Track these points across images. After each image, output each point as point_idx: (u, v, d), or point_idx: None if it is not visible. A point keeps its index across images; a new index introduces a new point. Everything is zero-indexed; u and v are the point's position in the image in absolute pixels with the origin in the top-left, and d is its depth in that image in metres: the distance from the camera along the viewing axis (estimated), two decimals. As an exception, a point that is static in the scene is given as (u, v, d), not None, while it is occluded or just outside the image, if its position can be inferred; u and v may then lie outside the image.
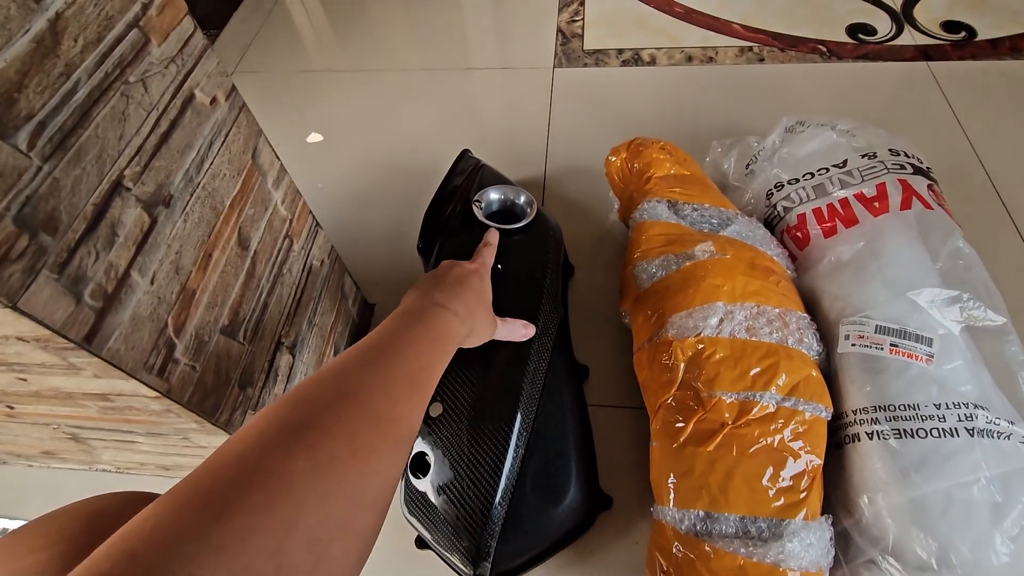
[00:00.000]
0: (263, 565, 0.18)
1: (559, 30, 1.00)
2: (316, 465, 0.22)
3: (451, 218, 0.61)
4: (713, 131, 0.78)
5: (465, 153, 0.71)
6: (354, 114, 0.92)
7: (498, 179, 0.66)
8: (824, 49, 0.91)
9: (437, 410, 0.50)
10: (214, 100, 0.39)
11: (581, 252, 0.70)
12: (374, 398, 0.27)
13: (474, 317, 0.42)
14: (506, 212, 0.63)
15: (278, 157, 0.46)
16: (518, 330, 0.49)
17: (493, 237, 0.53)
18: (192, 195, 0.37)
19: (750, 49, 0.93)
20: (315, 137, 0.89)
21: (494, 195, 0.62)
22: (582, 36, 0.99)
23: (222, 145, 0.40)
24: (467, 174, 0.66)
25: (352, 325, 0.61)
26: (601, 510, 0.52)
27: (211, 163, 0.38)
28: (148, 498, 0.33)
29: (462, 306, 0.40)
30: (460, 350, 0.54)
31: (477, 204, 0.60)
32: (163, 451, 0.47)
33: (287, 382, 0.47)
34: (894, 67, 0.88)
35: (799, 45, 0.92)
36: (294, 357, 0.48)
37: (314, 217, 0.52)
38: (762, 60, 0.91)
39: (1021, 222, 0.68)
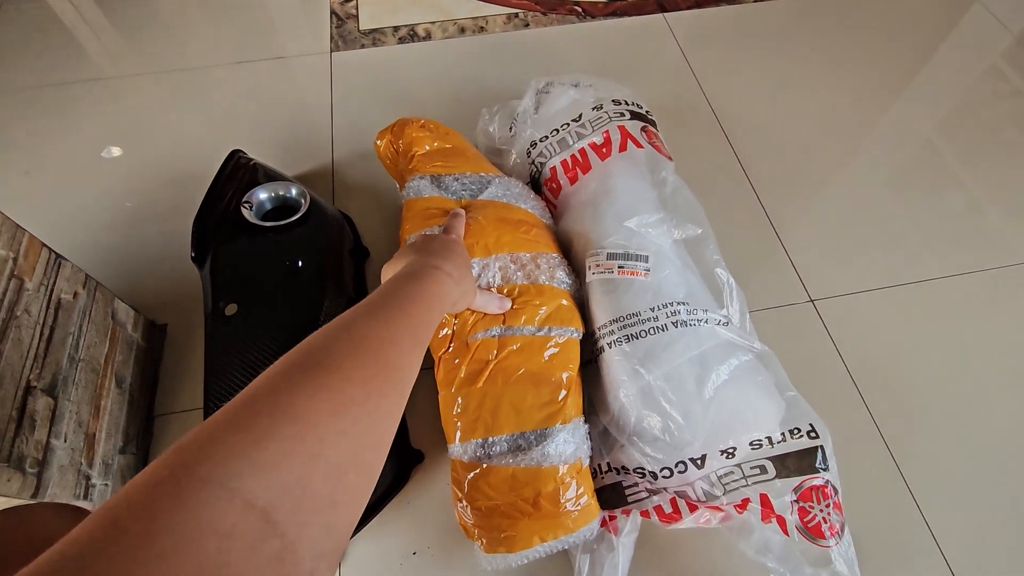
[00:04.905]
0: (293, 485, 0.22)
1: (333, 12, 0.99)
2: (337, 406, 0.25)
3: (222, 224, 0.60)
4: (488, 98, 0.83)
5: (235, 154, 0.69)
6: (129, 122, 0.85)
7: (271, 176, 0.66)
8: (580, 10, 1.00)
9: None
10: None
11: (377, 234, 0.73)
12: (384, 348, 0.30)
13: (464, 280, 0.46)
14: (282, 208, 0.63)
15: (-24, 195, 0.43)
16: (494, 302, 0.52)
17: (458, 209, 0.57)
18: None
19: (516, 16, 0.99)
20: (114, 151, 0.81)
21: (263, 194, 0.62)
22: (357, 17, 0.99)
23: None
24: (237, 176, 0.65)
25: (138, 351, 0.59)
26: (415, 464, 0.57)
27: None
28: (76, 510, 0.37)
29: (454, 268, 0.44)
30: (234, 345, 0.55)
31: (247, 206, 0.61)
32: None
33: (51, 425, 0.45)
34: (638, 21, 1.00)
35: (558, 8, 1.01)
36: (56, 398, 0.47)
37: (51, 250, 0.49)
38: (527, 25, 0.98)
39: (736, 145, 0.83)
